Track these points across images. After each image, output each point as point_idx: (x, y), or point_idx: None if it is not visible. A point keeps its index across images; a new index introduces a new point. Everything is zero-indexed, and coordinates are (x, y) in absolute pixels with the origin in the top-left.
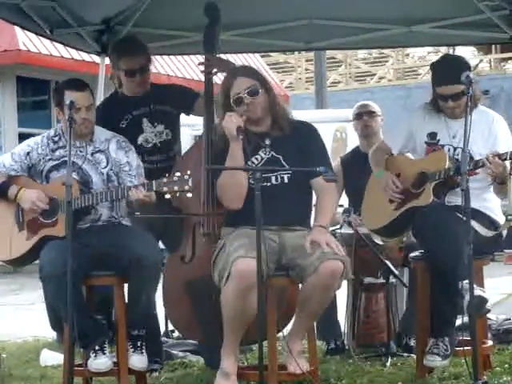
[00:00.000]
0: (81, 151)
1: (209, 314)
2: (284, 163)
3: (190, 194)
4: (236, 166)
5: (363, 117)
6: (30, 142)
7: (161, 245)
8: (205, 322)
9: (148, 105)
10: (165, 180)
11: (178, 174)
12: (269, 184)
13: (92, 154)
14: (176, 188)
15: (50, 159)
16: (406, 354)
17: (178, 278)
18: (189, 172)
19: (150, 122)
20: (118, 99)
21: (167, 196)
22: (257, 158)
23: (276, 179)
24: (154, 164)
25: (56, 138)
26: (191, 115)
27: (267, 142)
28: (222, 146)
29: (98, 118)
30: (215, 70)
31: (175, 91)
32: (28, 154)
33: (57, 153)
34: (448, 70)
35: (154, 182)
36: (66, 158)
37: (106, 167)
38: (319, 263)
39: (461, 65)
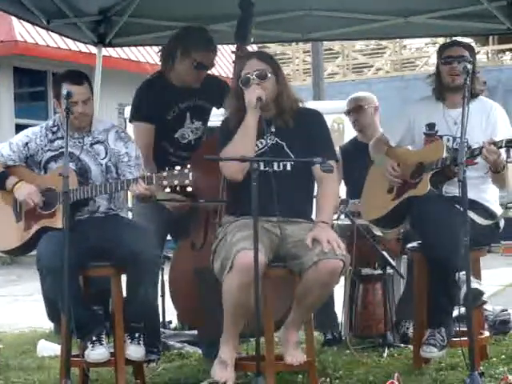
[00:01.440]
0: (79, 142)
1: (214, 302)
2: (287, 150)
3: (189, 188)
4: (247, 134)
5: (351, 113)
6: (29, 132)
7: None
8: (209, 310)
9: (192, 99)
10: (165, 174)
11: (179, 167)
12: (270, 170)
13: (91, 145)
14: (176, 182)
15: (48, 150)
16: (403, 345)
17: (187, 264)
18: (189, 166)
19: (191, 117)
20: (166, 87)
21: (167, 190)
22: (261, 142)
23: (278, 166)
24: (181, 159)
25: (54, 129)
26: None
27: (272, 128)
28: (234, 123)
29: (146, 100)
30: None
31: (213, 85)
32: (26, 144)
33: (55, 143)
34: (461, 41)
35: (154, 175)
36: (64, 149)
37: (104, 158)
38: (318, 260)
39: (469, 46)
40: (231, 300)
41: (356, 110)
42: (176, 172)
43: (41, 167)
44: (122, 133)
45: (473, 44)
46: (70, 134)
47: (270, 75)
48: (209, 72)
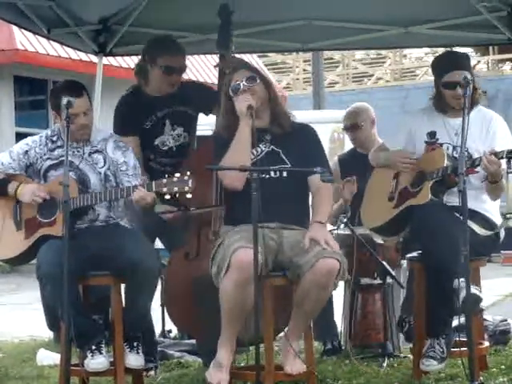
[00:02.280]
0: (78, 151)
1: (211, 311)
2: (284, 157)
3: (189, 195)
4: (242, 143)
5: (348, 131)
6: (29, 140)
7: (159, 244)
8: (206, 320)
9: (171, 105)
10: (164, 181)
11: (178, 174)
12: (267, 176)
13: (89, 154)
14: (176, 189)
15: (48, 158)
16: (402, 355)
17: (181, 274)
18: (188, 173)
19: (171, 124)
20: (142, 98)
21: (167, 197)
22: (257, 150)
23: (275, 172)
24: (162, 166)
25: (54, 138)
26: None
27: (268, 137)
28: (226, 136)
29: (120, 116)
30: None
31: (197, 91)
32: (26, 152)
33: (55, 152)
34: (457, 58)
35: (153, 182)
36: (63, 158)
37: (103, 167)
38: (315, 260)
39: (466, 58)
40: (228, 299)
41: (353, 128)
42: (175, 179)
43: (40, 176)
44: (120, 142)
45: (472, 53)
46: (70, 143)
47: (258, 80)
48: (194, 79)
